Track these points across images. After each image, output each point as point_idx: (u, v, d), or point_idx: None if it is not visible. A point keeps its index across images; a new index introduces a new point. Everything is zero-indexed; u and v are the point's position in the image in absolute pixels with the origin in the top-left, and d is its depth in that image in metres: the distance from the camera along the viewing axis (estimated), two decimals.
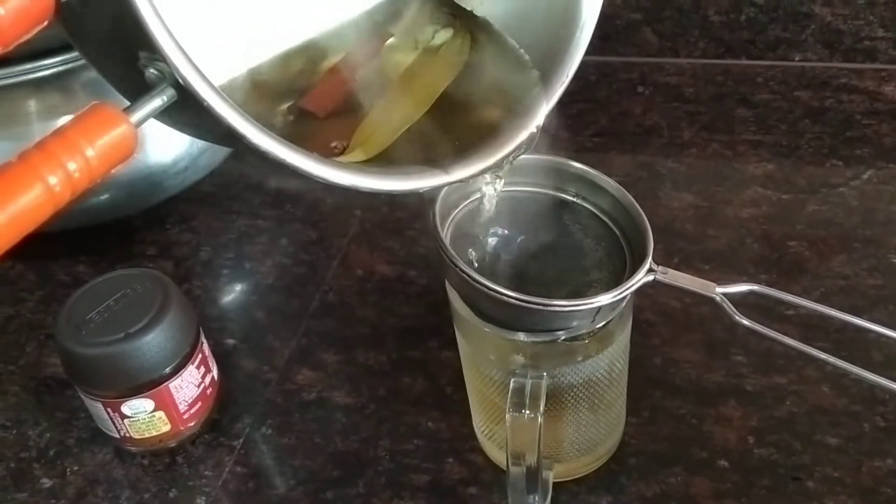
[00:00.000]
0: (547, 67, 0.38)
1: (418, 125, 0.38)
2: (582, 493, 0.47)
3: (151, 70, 0.27)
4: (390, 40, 0.40)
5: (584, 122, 0.71)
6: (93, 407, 0.50)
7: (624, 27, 0.75)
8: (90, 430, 0.53)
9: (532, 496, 0.43)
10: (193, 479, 0.51)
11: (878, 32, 0.72)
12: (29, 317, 0.62)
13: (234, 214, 0.68)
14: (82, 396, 0.50)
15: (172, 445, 0.52)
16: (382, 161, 0.36)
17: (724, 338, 0.53)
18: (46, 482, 0.52)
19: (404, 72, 0.40)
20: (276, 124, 0.36)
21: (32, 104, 0.61)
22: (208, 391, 0.52)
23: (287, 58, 0.37)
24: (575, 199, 0.45)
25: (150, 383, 0.49)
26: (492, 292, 0.38)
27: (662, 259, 0.41)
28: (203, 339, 0.52)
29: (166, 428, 0.51)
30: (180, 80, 0.26)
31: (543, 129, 0.38)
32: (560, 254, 0.45)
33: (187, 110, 0.27)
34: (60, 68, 0.59)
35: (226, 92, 0.27)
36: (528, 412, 0.40)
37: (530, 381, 0.40)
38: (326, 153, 0.36)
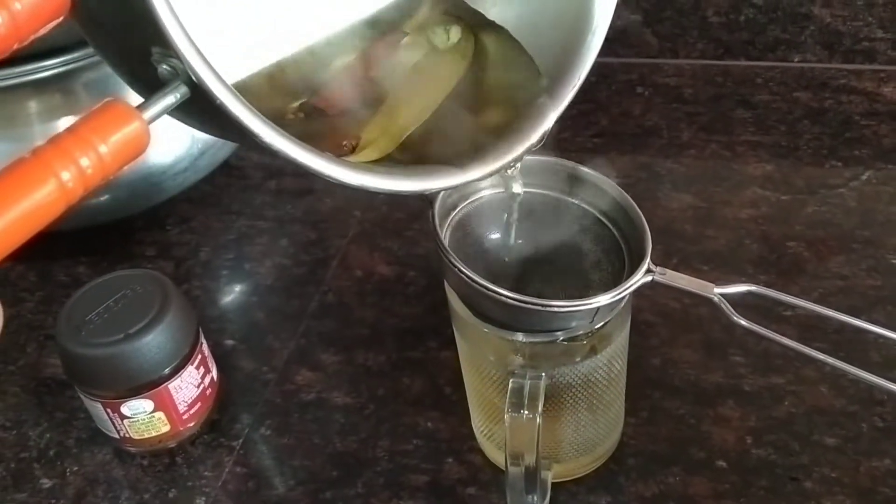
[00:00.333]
0: (558, 71, 0.38)
1: (427, 125, 0.38)
2: (581, 493, 0.47)
3: (164, 66, 0.27)
4: (405, 40, 0.40)
5: (584, 122, 0.71)
6: (92, 407, 0.50)
7: (623, 28, 0.76)
8: (90, 431, 0.54)
9: (531, 496, 0.43)
10: (193, 479, 0.51)
11: (877, 33, 0.72)
12: (29, 317, 0.62)
13: (234, 215, 0.69)
14: (82, 397, 0.50)
15: (172, 446, 0.52)
16: (392, 160, 0.37)
17: (722, 338, 0.53)
18: (46, 482, 0.52)
19: (410, 72, 0.40)
20: (286, 122, 0.36)
21: (33, 105, 0.61)
22: (208, 392, 0.52)
23: (300, 56, 0.37)
24: (574, 200, 0.45)
25: (149, 384, 0.49)
26: (490, 293, 0.38)
27: (661, 259, 0.41)
28: (202, 339, 0.52)
29: (166, 428, 0.51)
30: (193, 78, 0.26)
31: None
32: (559, 254, 0.45)
33: (200, 107, 0.27)
34: (61, 69, 0.59)
35: (238, 89, 0.27)
36: (526, 412, 0.40)
37: (529, 382, 0.41)
38: (337, 151, 0.36)
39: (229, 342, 0.58)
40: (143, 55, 0.27)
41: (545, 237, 0.45)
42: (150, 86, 0.28)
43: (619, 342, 0.44)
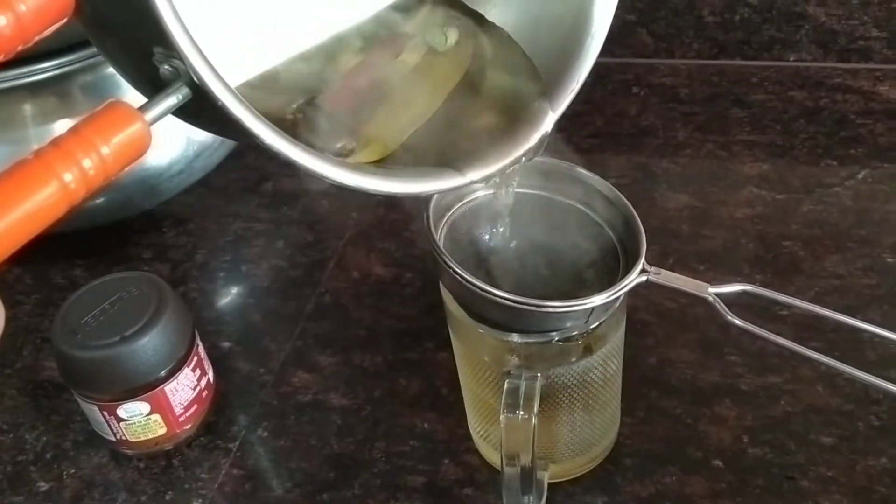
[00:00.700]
0: (557, 74, 0.39)
1: (426, 127, 0.38)
2: (577, 493, 0.47)
3: (166, 66, 0.27)
4: (405, 42, 0.40)
5: (580, 123, 0.71)
6: (89, 410, 0.50)
7: (619, 28, 0.75)
8: (86, 434, 0.54)
9: (527, 497, 0.43)
10: (190, 481, 0.51)
11: (873, 32, 0.72)
12: (25, 320, 0.62)
13: (230, 217, 0.68)
14: (78, 400, 0.50)
15: (168, 448, 0.52)
16: (392, 162, 0.37)
17: (718, 338, 0.53)
18: (43, 485, 0.52)
19: (409, 74, 0.40)
20: (285, 122, 0.36)
21: (28, 108, 0.61)
22: (204, 394, 0.52)
23: (300, 58, 0.37)
24: (569, 201, 0.45)
25: (145, 386, 0.49)
26: (485, 293, 0.38)
27: (658, 259, 0.41)
28: (199, 341, 0.52)
29: (162, 431, 0.51)
30: (195, 79, 0.26)
31: None
32: (554, 255, 0.45)
33: (201, 108, 0.27)
34: (56, 72, 0.59)
35: (239, 90, 0.27)
36: (522, 413, 0.40)
37: (524, 382, 0.41)
38: (335, 153, 0.36)
39: (226, 344, 0.58)
40: (145, 55, 0.27)
41: (540, 238, 0.45)
42: (153, 86, 0.28)
43: (615, 342, 0.44)
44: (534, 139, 0.37)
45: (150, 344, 0.48)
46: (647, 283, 0.40)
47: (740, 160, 0.66)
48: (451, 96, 0.39)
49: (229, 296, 0.63)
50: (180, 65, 0.26)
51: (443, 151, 0.37)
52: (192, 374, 0.51)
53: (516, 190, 0.44)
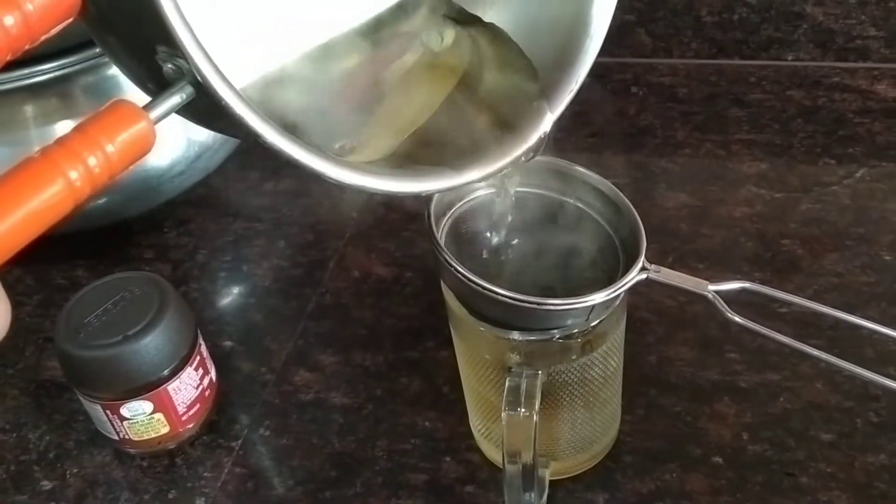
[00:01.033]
0: (555, 74, 0.39)
1: (425, 127, 0.38)
2: (578, 490, 0.47)
3: (169, 65, 0.27)
4: (404, 42, 0.40)
5: (579, 122, 0.71)
6: (92, 409, 0.51)
7: (617, 28, 0.76)
8: (89, 433, 0.54)
9: (528, 494, 0.43)
10: (192, 480, 0.51)
11: (870, 31, 0.72)
12: (27, 320, 0.62)
13: (231, 217, 0.69)
14: (81, 399, 0.51)
15: (171, 447, 0.52)
16: (391, 162, 0.37)
17: (718, 336, 0.53)
18: (46, 484, 0.52)
19: (409, 74, 0.40)
20: (287, 121, 0.36)
21: (29, 109, 0.61)
22: (206, 393, 0.52)
23: (302, 58, 0.38)
24: (569, 199, 0.45)
25: (148, 385, 0.49)
26: (486, 292, 0.39)
27: (657, 258, 0.41)
28: (201, 341, 0.52)
29: (165, 430, 0.51)
30: (198, 78, 0.27)
31: None
32: (554, 253, 0.45)
33: (204, 107, 0.27)
34: (57, 73, 0.59)
35: (242, 89, 0.28)
36: (523, 410, 0.40)
37: (525, 380, 0.41)
38: (336, 152, 0.36)
39: (228, 344, 0.59)
40: (149, 54, 0.28)
41: (540, 236, 0.45)
42: (156, 84, 0.28)
43: (615, 340, 0.44)
44: (532, 139, 0.37)
45: (153, 343, 0.48)
46: (647, 281, 0.40)
47: (739, 159, 0.66)
48: (449, 96, 0.39)
49: (231, 295, 0.64)
50: (184, 64, 0.27)
51: (442, 151, 0.37)
52: (194, 373, 0.51)
53: (517, 189, 0.44)
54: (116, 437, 0.51)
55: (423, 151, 0.37)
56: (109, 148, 0.25)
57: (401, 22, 0.40)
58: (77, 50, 0.58)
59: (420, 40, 0.40)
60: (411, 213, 0.65)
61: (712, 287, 0.40)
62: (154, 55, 0.27)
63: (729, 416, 0.49)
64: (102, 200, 0.63)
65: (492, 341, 0.42)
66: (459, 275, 0.39)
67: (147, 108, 0.26)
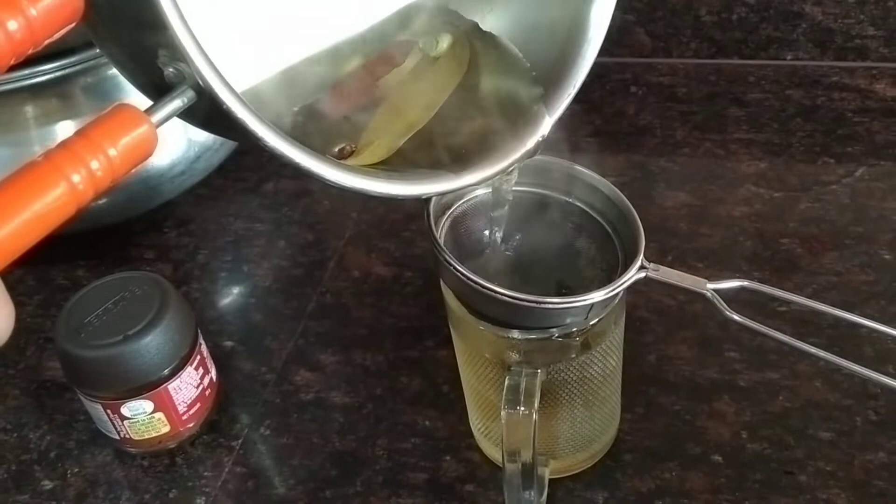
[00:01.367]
0: (553, 79, 0.39)
1: (424, 130, 0.39)
2: (578, 488, 0.47)
3: (171, 69, 0.27)
4: (408, 48, 0.41)
5: (579, 122, 0.72)
6: (92, 409, 0.51)
7: (617, 28, 0.76)
8: (90, 432, 0.54)
9: (528, 492, 0.43)
10: (193, 479, 0.51)
11: (869, 31, 0.72)
12: (28, 321, 0.63)
13: (231, 217, 0.69)
14: (82, 399, 0.51)
15: (172, 446, 0.52)
16: (390, 165, 0.37)
17: (717, 334, 0.54)
18: (47, 484, 0.52)
19: (408, 78, 0.40)
20: (287, 125, 0.36)
21: (30, 110, 0.61)
22: (207, 392, 0.53)
23: (302, 63, 0.38)
24: (568, 198, 0.45)
25: (149, 385, 0.49)
26: (486, 291, 0.39)
27: (657, 257, 0.41)
28: (201, 340, 0.52)
29: (165, 429, 0.51)
30: (200, 82, 0.27)
31: None
32: (553, 252, 0.45)
33: (205, 110, 0.28)
34: (58, 73, 0.59)
35: (243, 93, 0.28)
36: (522, 409, 0.40)
37: (525, 378, 0.41)
38: (335, 155, 0.37)
39: (228, 343, 0.59)
40: (150, 58, 0.28)
41: (540, 235, 0.45)
42: (157, 88, 0.28)
43: (614, 338, 0.44)
44: (530, 143, 0.38)
45: (154, 343, 0.48)
46: (646, 280, 0.40)
47: (738, 158, 0.67)
48: (449, 100, 0.40)
49: (231, 295, 0.64)
50: (185, 67, 0.27)
51: (441, 154, 0.38)
52: (195, 372, 0.51)
53: (516, 188, 0.44)
54: (117, 437, 0.51)
55: (421, 155, 0.37)
56: (112, 151, 0.25)
57: (400, 28, 0.41)
58: (77, 50, 0.59)
59: (418, 46, 0.41)
60: (411, 212, 0.65)
61: (711, 286, 0.40)
62: (155, 59, 0.28)
63: (728, 415, 0.50)
64: (103, 201, 0.63)
65: (491, 340, 0.43)
66: (459, 274, 0.39)
67: (149, 111, 0.27)
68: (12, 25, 0.23)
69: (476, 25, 0.41)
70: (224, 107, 0.27)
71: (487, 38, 0.41)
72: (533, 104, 0.38)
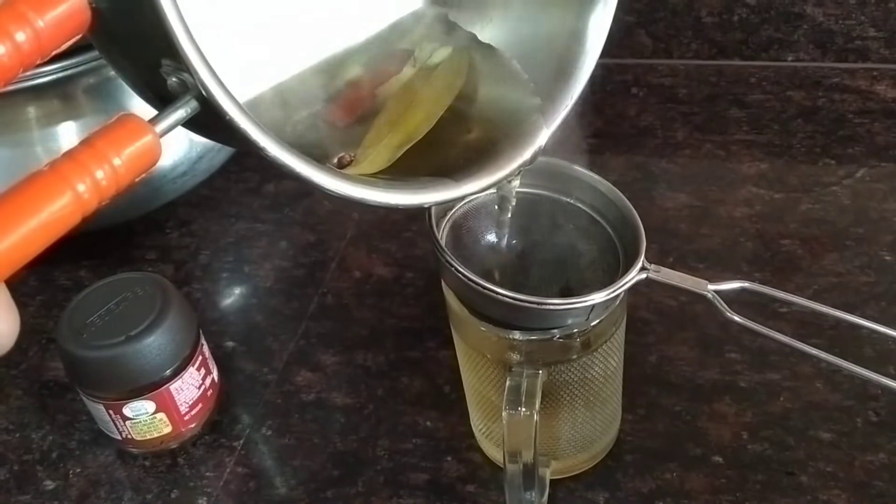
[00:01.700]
0: (551, 90, 0.39)
1: (424, 140, 0.39)
2: (579, 489, 0.47)
3: (174, 78, 0.28)
4: (407, 58, 0.41)
5: (579, 123, 0.71)
6: (94, 409, 0.51)
7: (618, 29, 0.76)
8: (92, 433, 0.54)
9: (529, 493, 0.43)
10: (195, 479, 0.51)
11: (870, 32, 0.72)
12: (31, 321, 0.63)
13: (233, 218, 0.69)
14: (84, 399, 0.51)
15: (174, 447, 0.52)
16: (390, 174, 0.37)
17: (718, 335, 0.54)
18: (49, 484, 0.52)
19: (407, 88, 0.40)
20: (286, 133, 0.37)
21: (32, 111, 0.61)
22: (209, 393, 0.53)
23: (303, 72, 0.38)
24: (569, 200, 0.45)
25: (151, 385, 0.49)
26: (487, 292, 0.39)
27: (657, 258, 0.41)
28: (203, 341, 0.53)
29: (167, 429, 0.51)
30: (203, 92, 0.27)
31: None
32: (555, 253, 0.45)
33: (208, 120, 0.28)
34: (60, 75, 0.59)
35: (245, 103, 0.28)
36: (524, 409, 0.40)
37: (526, 379, 0.41)
38: (336, 164, 0.37)
39: (230, 344, 0.59)
40: (153, 67, 0.28)
41: (541, 236, 0.45)
42: (159, 97, 0.28)
43: (615, 339, 0.44)
44: (528, 154, 0.38)
45: (156, 343, 0.48)
46: (647, 281, 0.41)
47: (739, 160, 0.67)
48: (448, 111, 0.40)
49: (232, 296, 0.64)
50: (188, 78, 0.27)
51: (440, 164, 0.38)
52: (196, 373, 0.51)
53: (518, 190, 0.44)
54: (119, 437, 0.51)
55: (421, 164, 0.38)
56: (116, 161, 0.25)
57: (399, 38, 0.41)
58: (79, 52, 0.59)
59: (416, 56, 0.41)
60: (412, 213, 0.65)
61: (712, 287, 0.40)
62: (158, 68, 0.28)
63: (729, 416, 0.50)
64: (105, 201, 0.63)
65: (492, 341, 0.43)
66: (460, 275, 0.39)
67: (153, 121, 0.27)
68: (20, 37, 0.24)
69: (474, 37, 0.41)
70: (227, 118, 0.27)
71: (486, 49, 0.41)
72: (531, 115, 0.39)
